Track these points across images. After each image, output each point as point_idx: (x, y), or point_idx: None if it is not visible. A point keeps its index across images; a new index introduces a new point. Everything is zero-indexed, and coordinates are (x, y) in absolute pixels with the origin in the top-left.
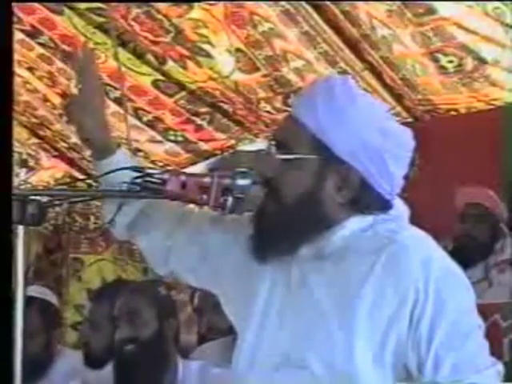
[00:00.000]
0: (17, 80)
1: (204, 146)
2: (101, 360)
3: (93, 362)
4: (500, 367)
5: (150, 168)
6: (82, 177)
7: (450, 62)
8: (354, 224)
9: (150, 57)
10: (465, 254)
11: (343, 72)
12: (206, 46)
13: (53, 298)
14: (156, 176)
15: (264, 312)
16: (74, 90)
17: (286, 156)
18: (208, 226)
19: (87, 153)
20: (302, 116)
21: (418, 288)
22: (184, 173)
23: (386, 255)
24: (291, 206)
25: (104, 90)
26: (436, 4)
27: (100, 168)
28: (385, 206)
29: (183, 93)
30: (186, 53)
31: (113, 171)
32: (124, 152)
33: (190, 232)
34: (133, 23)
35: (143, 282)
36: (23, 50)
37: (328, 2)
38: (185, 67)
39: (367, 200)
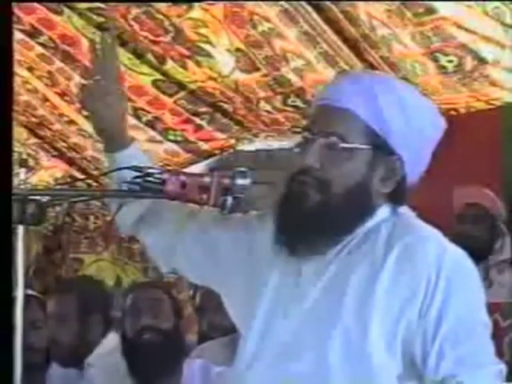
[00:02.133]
0: (16, 80)
1: (204, 146)
2: (75, 358)
3: (68, 359)
4: (503, 368)
5: (150, 168)
6: (81, 176)
7: (450, 61)
8: (381, 214)
9: (149, 56)
10: None
11: (343, 72)
12: (205, 46)
13: None
14: (156, 176)
15: (270, 310)
16: (90, 80)
17: (346, 145)
18: (214, 224)
19: (87, 153)
20: (354, 106)
21: (430, 279)
22: (184, 172)
23: (403, 244)
24: (341, 196)
25: (122, 81)
26: (436, 4)
27: (112, 160)
28: (407, 196)
29: (183, 92)
30: (185, 52)
31: (112, 171)
32: (137, 147)
33: (196, 230)
34: (132, 23)
35: (157, 281)
36: (23, 50)
37: (328, 2)
38: (185, 67)
39: (402, 191)
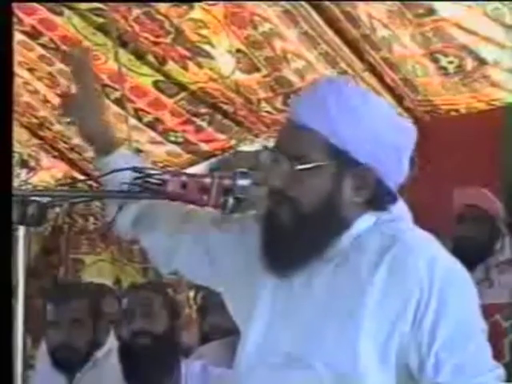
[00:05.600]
0: (17, 81)
1: (204, 147)
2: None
3: (69, 363)
4: (501, 372)
5: (151, 168)
6: (82, 177)
7: (450, 62)
8: (361, 224)
9: (150, 57)
10: (465, 255)
11: (343, 72)
12: (206, 47)
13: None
14: (156, 177)
15: (267, 313)
16: (73, 89)
17: (303, 166)
18: (212, 225)
19: (88, 154)
20: (311, 122)
21: (422, 288)
22: (184, 173)
23: (392, 255)
24: (311, 214)
25: (100, 88)
26: (436, 4)
27: (100, 166)
28: (394, 200)
29: (183, 93)
30: (186, 53)
31: (114, 171)
32: (124, 152)
33: (194, 231)
34: (133, 24)
35: (151, 282)
36: (23, 51)
37: (328, 3)
38: (185, 68)
39: (382, 197)
